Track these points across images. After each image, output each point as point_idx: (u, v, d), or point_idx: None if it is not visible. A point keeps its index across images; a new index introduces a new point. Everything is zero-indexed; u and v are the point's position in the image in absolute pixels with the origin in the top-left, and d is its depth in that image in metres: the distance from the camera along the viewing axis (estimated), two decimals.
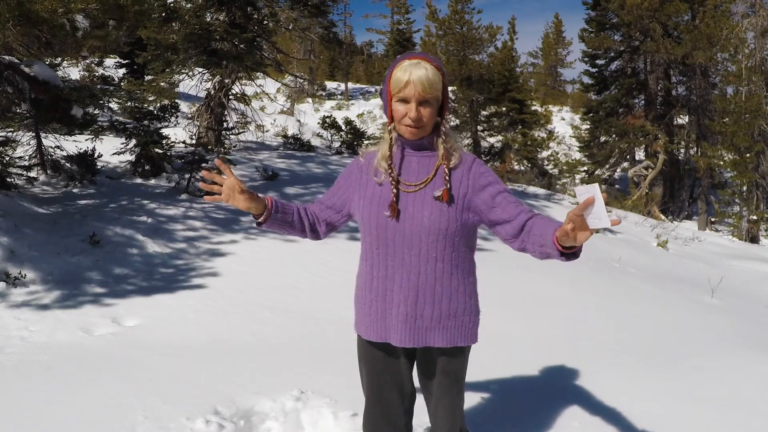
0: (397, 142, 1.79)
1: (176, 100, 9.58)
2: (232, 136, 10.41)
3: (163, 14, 9.23)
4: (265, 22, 10.06)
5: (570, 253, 1.56)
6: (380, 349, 1.87)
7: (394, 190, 1.74)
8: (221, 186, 1.77)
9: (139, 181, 7.89)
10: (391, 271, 1.76)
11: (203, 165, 7.54)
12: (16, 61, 5.95)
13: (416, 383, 1.97)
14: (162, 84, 10.52)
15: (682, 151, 20.49)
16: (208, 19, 9.49)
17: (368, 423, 1.95)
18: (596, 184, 1.42)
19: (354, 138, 13.23)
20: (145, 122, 7.95)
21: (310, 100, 31.51)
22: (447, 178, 1.72)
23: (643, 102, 20.01)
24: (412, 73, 1.65)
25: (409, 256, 1.73)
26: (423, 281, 1.74)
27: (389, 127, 1.77)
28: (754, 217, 15.35)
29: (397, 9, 38.63)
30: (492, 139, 18.67)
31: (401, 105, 1.69)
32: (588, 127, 21.16)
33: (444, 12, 18.17)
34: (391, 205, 1.73)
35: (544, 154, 19.61)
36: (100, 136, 7.68)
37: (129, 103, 8.43)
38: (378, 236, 1.76)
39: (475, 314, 1.85)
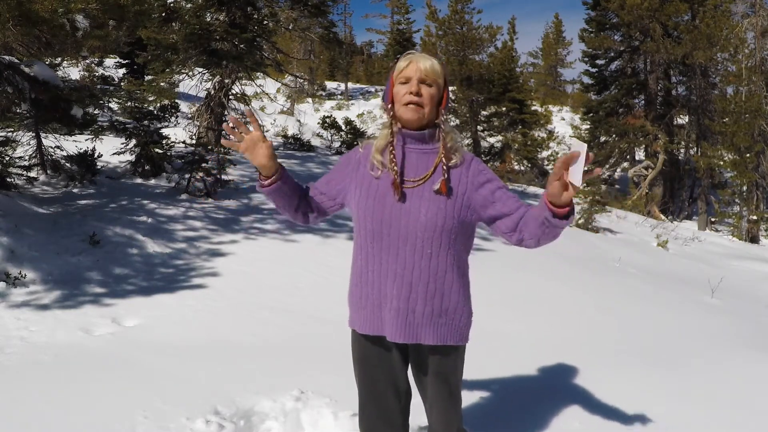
0: (397, 136, 1.78)
1: (176, 100, 9.58)
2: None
3: (163, 14, 9.23)
4: (265, 22, 10.06)
5: (564, 214, 1.54)
6: (374, 344, 1.86)
7: (397, 178, 1.73)
8: (242, 136, 1.75)
9: (139, 181, 7.89)
10: (385, 265, 1.76)
11: (203, 165, 7.54)
12: (16, 61, 5.95)
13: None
14: (162, 84, 10.51)
15: (682, 151, 20.50)
16: (208, 19, 9.49)
17: (364, 421, 1.94)
18: (586, 145, 1.45)
19: (354, 138, 13.24)
20: (145, 122, 7.95)
21: (310, 100, 31.50)
22: (445, 168, 1.73)
23: (643, 102, 20.01)
24: (416, 57, 1.74)
25: (404, 251, 1.73)
26: (417, 277, 1.74)
27: (390, 120, 1.78)
28: (754, 217, 15.35)
29: (397, 9, 38.61)
30: (492, 139, 18.66)
31: (402, 86, 1.73)
32: (588, 127, 21.16)
33: (444, 12, 18.18)
34: (394, 184, 1.73)
35: (544, 154, 19.60)
36: (100, 136, 7.69)
37: (129, 103, 8.44)
38: (373, 230, 1.76)
39: (468, 315, 1.85)
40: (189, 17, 9.22)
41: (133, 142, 7.97)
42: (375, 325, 1.82)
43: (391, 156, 1.75)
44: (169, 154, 8.18)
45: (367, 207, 1.77)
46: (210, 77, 10.32)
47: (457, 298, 1.79)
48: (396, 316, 1.76)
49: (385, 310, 1.78)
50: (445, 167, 1.73)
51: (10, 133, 7.13)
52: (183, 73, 10.16)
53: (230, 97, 10.48)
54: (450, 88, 1.81)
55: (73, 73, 15.67)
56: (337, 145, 13.45)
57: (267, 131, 14.63)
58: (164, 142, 8.06)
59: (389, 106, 1.78)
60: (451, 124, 1.70)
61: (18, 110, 6.74)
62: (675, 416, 3.02)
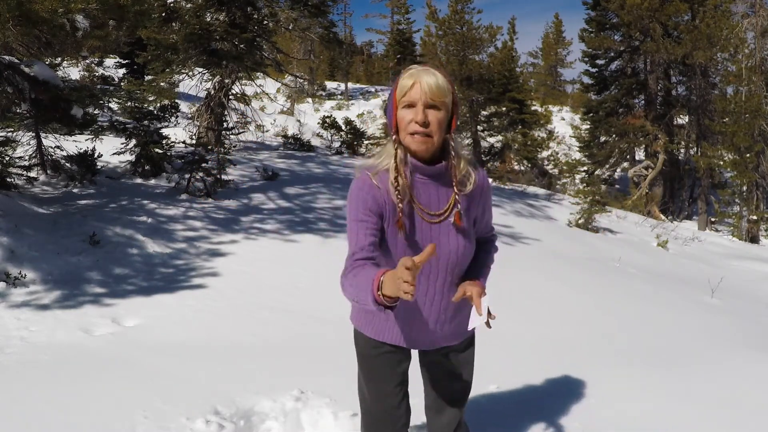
0: (407, 166, 1.64)
1: (176, 100, 9.60)
2: (232, 136, 10.41)
3: (163, 14, 9.24)
4: (265, 22, 10.07)
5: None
6: (381, 343, 1.87)
7: (402, 217, 1.61)
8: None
9: (139, 181, 7.88)
10: (413, 301, 1.76)
11: (203, 165, 7.55)
12: (16, 61, 5.94)
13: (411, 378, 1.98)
14: (162, 84, 10.53)
15: (682, 151, 20.48)
16: (208, 19, 9.49)
17: (369, 415, 1.94)
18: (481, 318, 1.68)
19: (354, 138, 13.24)
20: (145, 122, 7.95)
21: (310, 100, 31.51)
22: (458, 198, 1.67)
23: (643, 102, 20.00)
24: (420, 76, 1.57)
25: (434, 286, 1.74)
26: (445, 305, 1.78)
27: (395, 146, 1.63)
28: (754, 217, 15.35)
29: (397, 9, 38.57)
30: (492, 139, 18.68)
31: (407, 111, 1.58)
32: (588, 127, 21.16)
33: (444, 12, 18.18)
34: (398, 222, 1.62)
35: (544, 154, 19.59)
36: (100, 136, 7.69)
37: (129, 103, 8.45)
38: None
39: None
40: (189, 17, 9.23)
41: (133, 142, 7.96)
42: (391, 339, 1.84)
43: (396, 184, 1.61)
44: (169, 154, 8.17)
45: (400, 249, 1.66)
46: (210, 77, 10.34)
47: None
48: (424, 334, 1.82)
49: (408, 330, 1.81)
50: (457, 197, 1.66)
51: (10, 133, 7.13)
52: (183, 73, 10.18)
53: (230, 97, 10.49)
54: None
55: (73, 73, 15.71)
56: (337, 145, 13.45)
57: (267, 131, 14.66)
58: (164, 142, 8.05)
59: (393, 130, 1.62)
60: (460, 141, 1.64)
61: (18, 110, 6.74)
62: (675, 416, 3.02)
